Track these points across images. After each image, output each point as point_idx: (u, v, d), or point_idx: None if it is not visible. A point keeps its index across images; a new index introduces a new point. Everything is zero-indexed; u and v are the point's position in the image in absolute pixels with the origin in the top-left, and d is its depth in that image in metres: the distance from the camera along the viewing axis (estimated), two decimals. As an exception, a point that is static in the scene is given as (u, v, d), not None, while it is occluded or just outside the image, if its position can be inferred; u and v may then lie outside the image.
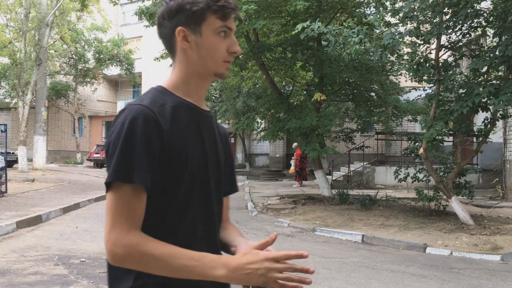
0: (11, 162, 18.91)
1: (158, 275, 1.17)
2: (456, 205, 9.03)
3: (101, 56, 26.63)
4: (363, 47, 8.09)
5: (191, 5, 1.27)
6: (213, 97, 23.21)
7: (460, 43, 9.62)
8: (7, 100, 26.72)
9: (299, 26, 8.10)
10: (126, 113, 1.21)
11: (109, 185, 1.18)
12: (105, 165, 1.30)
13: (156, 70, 23.49)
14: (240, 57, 12.79)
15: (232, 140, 27.56)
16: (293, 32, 9.01)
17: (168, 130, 1.22)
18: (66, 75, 27.24)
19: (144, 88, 30.06)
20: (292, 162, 18.11)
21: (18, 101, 18.61)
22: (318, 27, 7.99)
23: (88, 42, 26.10)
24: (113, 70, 28.39)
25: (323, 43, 11.63)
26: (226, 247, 1.42)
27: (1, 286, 4.81)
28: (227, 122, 21.96)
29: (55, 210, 9.58)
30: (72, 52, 25.76)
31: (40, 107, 19.06)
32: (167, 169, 1.23)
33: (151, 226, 1.21)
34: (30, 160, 19.23)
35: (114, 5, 12.64)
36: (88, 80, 27.21)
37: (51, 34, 19.88)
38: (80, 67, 26.60)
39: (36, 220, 8.64)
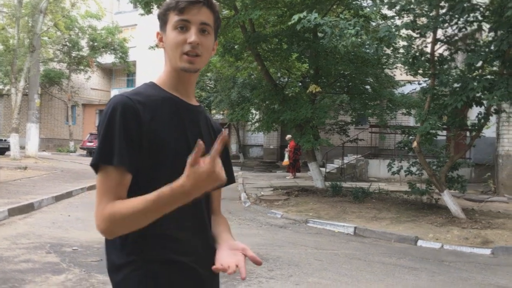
0: (3, 150, 18.84)
1: (146, 252, 1.33)
2: (448, 198, 9.08)
3: (95, 44, 26.44)
4: (359, 40, 8.08)
5: (160, 10, 1.45)
6: (208, 87, 23.14)
7: (456, 37, 9.61)
8: (0, 87, 26.47)
9: (295, 17, 8.06)
10: (109, 103, 1.34)
11: (95, 167, 1.32)
12: None
13: (151, 59, 23.33)
14: (235, 47, 12.74)
15: (227, 131, 27.55)
16: (289, 23, 8.96)
17: (148, 119, 1.34)
18: (60, 62, 27.02)
19: (138, 77, 29.90)
20: (286, 154, 18.12)
21: (11, 88, 18.41)
22: (315, 18, 7.95)
23: (82, 30, 25.88)
24: (107, 58, 28.20)
25: (319, 34, 11.63)
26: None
27: (-8, 273, 4.80)
28: (221, 112, 21.92)
29: (48, 198, 9.53)
30: (66, 40, 25.54)
31: (33, 95, 18.90)
32: (148, 156, 1.33)
33: None
34: (22, 147, 19.11)
35: (109, -8, 12.52)
36: (82, 68, 27.03)
37: (45, 21, 19.65)
38: (74, 55, 26.40)
39: (28, 208, 8.60)
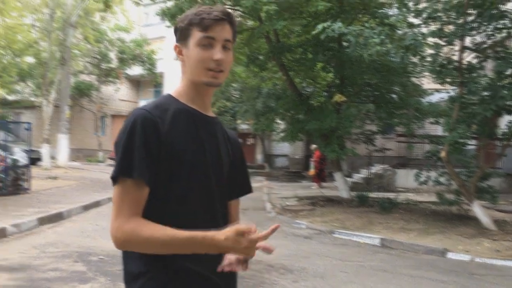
0: (35, 160, 19.27)
1: (163, 261, 1.34)
2: (478, 209, 8.85)
3: (124, 56, 26.95)
4: (384, 48, 8.00)
5: (180, 24, 1.46)
6: (233, 98, 23.24)
7: (485, 45, 9.42)
8: (32, 99, 27.24)
9: (320, 27, 8.05)
10: (130, 117, 1.38)
11: (114, 180, 1.36)
12: None
13: (178, 71, 23.60)
14: (260, 57, 12.79)
15: (252, 141, 27.57)
16: (314, 32, 8.95)
17: (167, 132, 1.37)
18: (90, 74, 27.64)
19: (166, 88, 30.28)
20: (312, 164, 18.00)
21: (43, 100, 18.96)
22: (339, 27, 7.93)
23: (111, 42, 26.43)
24: (135, 70, 28.69)
25: (344, 44, 11.56)
26: None
27: (21, 281, 4.90)
28: (246, 122, 21.98)
29: (76, 208, 9.73)
30: (96, 52, 26.13)
31: (64, 106, 19.39)
32: (165, 167, 1.37)
33: (153, 219, 1.35)
34: (53, 158, 19.58)
35: (137, 5, 12.80)
36: (111, 79, 27.57)
37: (75, 34, 20.22)
38: (103, 67, 26.97)
39: (58, 217, 8.79)
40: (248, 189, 1.71)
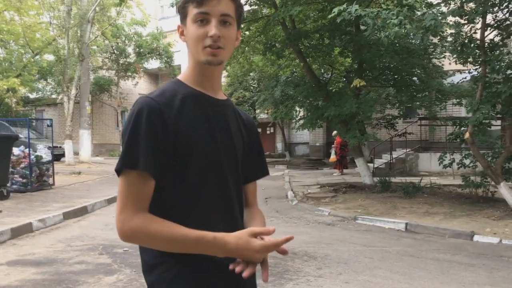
0: (58, 156, 19.60)
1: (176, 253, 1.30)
2: (505, 191, 8.65)
3: (141, 50, 27.03)
4: (403, 30, 7.82)
5: (179, 3, 1.40)
6: (252, 87, 23.19)
7: (508, 22, 9.13)
8: (53, 96, 27.65)
9: (336, 10, 7.90)
10: (134, 106, 1.32)
11: (119, 172, 1.30)
12: None
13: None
14: (277, 45, 12.68)
15: (272, 130, 27.51)
16: (330, 16, 8.80)
17: (174, 120, 1.31)
18: (108, 70, 27.84)
19: (184, 80, 30.33)
20: (332, 150, 17.86)
21: (63, 97, 19.19)
22: (356, 10, 7.77)
23: (128, 37, 26.53)
24: (153, 64, 28.79)
25: (362, 27, 11.37)
26: None
27: (48, 275, 4.98)
28: (265, 111, 21.91)
29: (100, 201, 9.85)
30: (113, 47, 26.28)
31: (84, 102, 19.60)
32: (175, 156, 1.31)
33: (166, 210, 1.31)
34: (76, 153, 19.87)
35: (151, -2, 12.78)
36: (130, 74, 27.71)
37: (93, 30, 20.32)
38: (121, 62, 27.10)
39: (82, 211, 8.92)
40: (264, 172, 1.64)
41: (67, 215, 8.31)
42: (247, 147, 1.53)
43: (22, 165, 10.73)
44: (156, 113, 1.29)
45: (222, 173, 1.39)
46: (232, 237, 1.26)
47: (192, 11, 1.36)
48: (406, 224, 7.95)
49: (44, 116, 28.77)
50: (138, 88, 29.97)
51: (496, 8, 8.71)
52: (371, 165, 15.64)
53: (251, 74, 20.31)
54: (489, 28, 8.94)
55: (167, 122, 1.30)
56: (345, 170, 17.14)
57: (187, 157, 1.32)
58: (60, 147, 20.44)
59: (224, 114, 1.45)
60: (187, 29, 1.39)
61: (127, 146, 1.28)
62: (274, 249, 1.29)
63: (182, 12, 1.40)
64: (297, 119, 17.21)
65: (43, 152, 11.63)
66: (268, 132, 27.70)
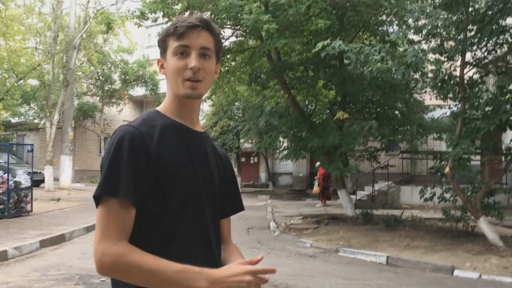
0: (38, 182, 19.28)
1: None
2: (484, 226, 8.74)
3: (127, 77, 27.12)
4: (385, 65, 8.01)
5: (160, 37, 1.42)
6: (236, 117, 23.29)
7: (486, 60, 9.43)
8: (36, 121, 27.36)
9: (320, 45, 8.08)
10: (115, 134, 1.31)
11: (98, 199, 1.26)
12: None
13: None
14: (262, 76, 12.85)
15: (256, 160, 27.52)
16: (314, 51, 8.99)
17: (155, 149, 1.30)
18: (93, 96, 27.78)
19: (169, 108, 30.35)
20: (316, 182, 17.91)
21: (46, 122, 19.03)
22: (339, 45, 7.96)
23: (115, 64, 26.63)
24: (139, 91, 28.84)
25: (345, 61, 11.60)
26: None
27: (21, 305, 4.83)
28: (250, 141, 21.97)
29: (79, 229, 9.66)
30: (99, 74, 26.32)
31: (67, 128, 19.44)
32: (156, 184, 1.29)
33: (146, 237, 1.29)
34: (56, 179, 19.56)
35: (138, 27, 12.89)
36: (114, 100, 27.68)
37: (79, 56, 20.36)
38: (106, 88, 27.11)
39: (60, 239, 8.72)
40: (239, 207, 1.64)
41: (44, 243, 8.12)
42: (223, 181, 1.53)
43: (0, 191, 10.52)
44: (138, 141, 1.28)
45: (200, 203, 1.39)
46: (218, 269, 1.26)
47: (173, 44, 1.37)
48: (388, 257, 7.95)
49: (26, 141, 28.37)
50: (122, 114, 29.86)
51: (475, 46, 9.00)
52: (353, 197, 15.69)
53: (236, 103, 20.43)
54: (468, 66, 9.21)
55: (149, 150, 1.29)
56: (327, 202, 17.16)
57: (168, 185, 1.31)
58: (40, 172, 20.12)
59: (203, 147, 1.46)
60: (167, 62, 1.41)
61: (108, 172, 1.25)
62: (262, 272, 1.25)
63: (163, 45, 1.42)
64: (281, 149, 17.29)
65: (23, 178, 11.42)
66: (252, 161, 27.69)
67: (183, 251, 1.31)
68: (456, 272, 7.10)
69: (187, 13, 11.27)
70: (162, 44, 1.42)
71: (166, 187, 1.31)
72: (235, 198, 1.62)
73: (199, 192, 1.38)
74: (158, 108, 1.46)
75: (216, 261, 1.42)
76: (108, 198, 1.24)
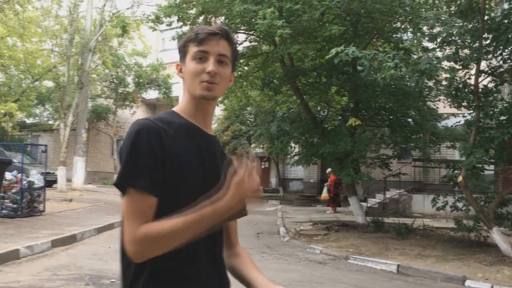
0: (51, 182, 19.47)
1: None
2: (497, 236, 8.63)
3: (141, 80, 27.33)
4: (399, 72, 7.97)
5: (181, 43, 1.52)
6: (248, 121, 23.34)
7: (501, 69, 9.34)
8: (50, 122, 27.68)
9: (333, 51, 8.08)
10: (133, 126, 1.36)
11: (120, 187, 1.32)
12: None
13: (193, 94, 23.81)
14: (274, 81, 12.87)
15: (267, 165, 27.51)
16: (327, 57, 8.99)
17: (170, 145, 1.36)
18: (107, 98, 28.03)
19: (181, 112, 30.49)
20: (325, 188, 17.83)
21: (60, 123, 19.23)
22: (353, 51, 7.94)
23: (129, 67, 26.87)
24: (152, 94, 29.05)
25: (359, 68, 11.57)
26: (245, 283, 1.53)
27: (32, 304, 4.87)
28: (261, 146, 21.98)
29: (90, 230, 9.73)
30: (113, 77, 26.56)
31: (81, 129, 19.62)
32: (167, 180, 1.34)
33: None
34: (69, 180, 19.74)
35: (153, 31, 13.00)
36: (128, 103, 27.90)
37: (94, 59, 20.58)
38: (120, 91, 27.33)
39: (71, 239, 8.79)
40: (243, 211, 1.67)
41: (56, 243, 8.19)
42: None
43: (14, 190, 10.63)
44: (155, 134, 1.34)
45: None
46: (223, 195, 1.29)
47: (193, 49, 1.46)
48: (398, 266, 7.88)
49: (40, 142, 28.69)
50: (135, 117, 29.92)
51: (490, 55, 8.93)
52: (364, 204, 15.60)
53: (248, 108, 20.49)
54: (483, 74, 9.12)
55: (164, 144, 1.34)
56: (338, 209, 17.08)
57: (179, 182, 1.36)
58: (53, 173, 20.31)
59: (214, 149, 1.52)
60: (185, 66, 1.49)
61: (128, 162, 1.31)
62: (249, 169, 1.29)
63: (183, 50, 1.50)
64: (292, 155, 17.26)
65: (36, 177, 11.54)
66: (262, 166, 27.69)
67: (188, 250, 1.35)
68: (467, 283, 7.01)
69: (201, 18, 11.39)
70: (183, 49, 1.50)
71: (176, 184, 1.35)
72: None
73: (207, 193, 1.41)
74: (174, 109, 1.53)
75: (221, 264, 1.50)
76: (130, 188, 1.30)
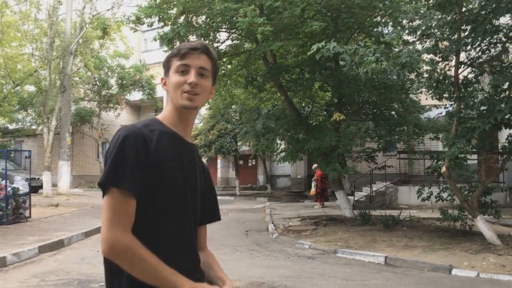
0: (36, 188, 19.28)
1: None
2: (482, 224, 8.78)
3: (124, 82, 27.13)
4: (380, 66, 8.05)
5: (165, 59, 1.65)
6: (233, 120, 23.33)
7: (480, 60, 9.49)
8: (33, 127, 27.34)
9: (314, 47, 8.12)
10: (120, 132, 1.46)
11: (104, 187, 1.41)
12: None
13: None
14: (258, 79, 12.89)
15: (253, 162, 27.55)
16: (309, 53, 9.04)
17: (154, 150, 1.46)
18: (90, 101, 27.78)
19: (166, 112, 30.32)
20: (313, 183, 17.94)
21: (43, 128, 19.01)
22: (334, 47, 8.00)
23: (111, 69, 26.65)
24: (135, 95, 28.88)
25: (341, 63, 11.65)
26: (209, 275, 1.67)
27: (20, 311, 4.84)
28: (247, 144, 22.00)
29: (77, 234, 9.66)
30: (96, 79, 26.33)
31: (65, 133, 19.43)
32: (149, 183, 1.43)
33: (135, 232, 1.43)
34: (54, 185, 19.55)
35: (134, 32, 12.91)
36: (112, 105, 27.69)
37: (75, 62, 20.36)
38: (103, 93, 27.11)
39: (58, 245, 8.72)
40: (217, 217, 1.79)
41: (43, 249, 8.12)
42: (204, 191, 1.70)
43: (-2, 197, 10.51)
44: (142, 140, 1.45)
45: (186, 207, 1.54)
46: (200, 284, 1.47)
47: (175, 63, 1.59)
48: (386, 257, 7.97)
49: (23, 147, 28.36)
50: (120, 119, 29.90)
51: (469, 46, 9.06)
52: (351, 198, 15.73)
53: (233, 106, 20.48)
54: (462, 66, 9.26)
55: (150, 150, 1.45)
56: (325, 203, 17.19)
57: (160, 185, 1.46)
58: (38, 178, 20.09)
59: (193, 156, 1.64)
60: (169, 79, 1.61)
61: (114, 164, 1.40)
62: None
63: (166, 65, 1.63)
64: (278, 151, 17.31)
65: (20, 184, 11.41)
66: (249, 164, 27.73)
67: (168, 250, 1.46)
68: (454, 271, 7.13)
69: (182, 17, 11.35)
70: (166, 64, 1.63)
71: (157, 186, 1.45)
72: (213, 207, 1.78)
73: (186, 197, 1.54)
74: (158, 117, 1.63)
75: (197, 264, 1.60)
76: (113, 188, 1.39)
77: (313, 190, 17.91)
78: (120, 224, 1.37)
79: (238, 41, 13.43)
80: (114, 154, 1.40)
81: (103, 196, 1.42)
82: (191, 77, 1.55)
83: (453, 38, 8.84)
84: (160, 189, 1.46)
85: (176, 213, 1.51)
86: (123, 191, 1.38)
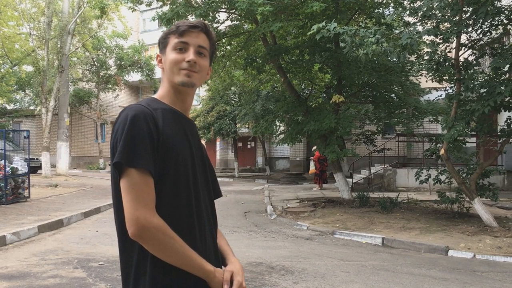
0: (35, 168, 19.31)
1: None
2: (479, 207, 8.82)
3: (122, 62, 26.95)
4: (380, 48, 7.98)
5: (161, 35, 1.61)
6: (233, 101, 23.27)
7: (481, 42, 9.41)
8: (31, 108, 27.24)
9: (315, 27, 8.03)
10: (128, 111, 1.42)
11: (120, 170, 1.37)
12: None
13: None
14: (257, 60, 12.80)
15: (252, 144, 27.56)
16: (309, 33, 8.95)
17: (162, 128, 1.43)
18: (89, 82, 27.63)
19: (165, 94, 30.21)
20: (311, 162, 17.95)
21: (42, 108, 18.94)
22: (334, 27, 7.92)
23: (110, 49, 26.44)
24: (134, 76, 28.72)
25: (341, 44, 11.56)
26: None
27: (20, 289, 4.88)
28: (246, 125, 21.98)
29: (76, 215, 9.71)
30: (94, 59, 26.15)
31: (63, 114, 19.37)
32: (160, 161, 1.41)
33: None
34: (53, 166, 19.57)
35: (132, 11, 12.79)
36: (110, 86, 27.56)
37: (73, 42, 20.18)
38: (102, 74, 26.96)
39: (58, 224, 8.77)
40: (219, 193, 1.77)
41: (42, 228, 8.17)
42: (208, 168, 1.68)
43: (-3, 177, 10.52)
44: (151, 118, 1.41)
45: (197, 186, 1.51)
46: (219, 276, 1.47)
47: (173, 40, 1.54)
48: (383, 239, 8.04)
49: (22, 128, 28.28)
50: (118, 100, 29.82)
51: (470, 28, 8.98)
52: (350, 180, 15.78)
53: (232, 88, 20.39)
54: (463, 48, 9.19)
55: (158, 128, 1.41)
56: (324, 185, 17.25)
57: (168, 162, 1.42)
58: (37, 159, 20.11)
59: (194, 131, 1.61)
60: (166, 56, 1.56)
61: (125, 145, 1.35)
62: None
63: (163, 42, 1.58)
64: (277, 133, 17.29)
65: (19, 164, 11.41)
66: (248, 146, 27.75)
67: (182, 230, 1.42)
68: (450, 253, 7.20)
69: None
70: (163, 41, 1.58)
71: (165, 162, 1.42)
72: (215, 185, 1.75)
73: (196, 176, 1.51)
74: (155, 96, 1.59)
75: (212, 240, 1.58)
76: (131, 168, 1.35)
77: (312, 169, 17.94)
78: (146, 204, 1.34)
79: (238, 22, 13.30)
80: (126, 134, 1.36)
81: (119, 177, 1.38)
82: (190, 55, 1.52)
83: (454, 19, 8.75)
84: (168, 165, 1.42)
85: (188, 194, 1.47)
86: (141, 169, 1.35)
